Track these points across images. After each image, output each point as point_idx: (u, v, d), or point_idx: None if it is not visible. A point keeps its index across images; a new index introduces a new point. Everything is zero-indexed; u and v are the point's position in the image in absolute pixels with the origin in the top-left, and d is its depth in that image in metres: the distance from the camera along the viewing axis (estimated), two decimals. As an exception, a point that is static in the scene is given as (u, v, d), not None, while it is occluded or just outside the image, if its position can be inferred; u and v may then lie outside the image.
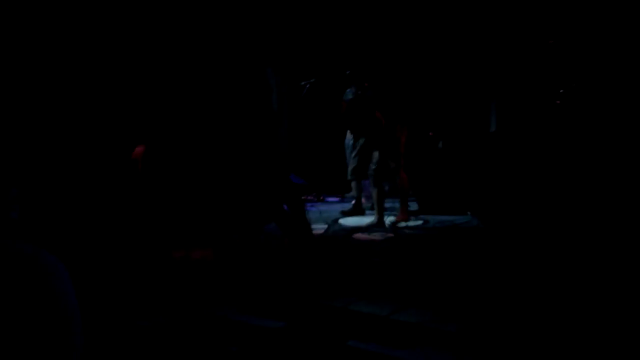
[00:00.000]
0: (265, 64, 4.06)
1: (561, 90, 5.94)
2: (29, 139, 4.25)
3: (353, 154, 6.82)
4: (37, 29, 4.46)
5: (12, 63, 4.21)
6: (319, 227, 6.09)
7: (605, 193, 5.29)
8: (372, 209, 7.12)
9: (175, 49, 5.44)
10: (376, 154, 6.26)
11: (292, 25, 7.18)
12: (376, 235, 5.75)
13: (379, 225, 6.20)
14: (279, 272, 4.26)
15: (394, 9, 7.77)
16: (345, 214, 6.91)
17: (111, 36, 5.01)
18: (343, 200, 8.18)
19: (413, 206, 7.18)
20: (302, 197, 7.01)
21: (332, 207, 7.64)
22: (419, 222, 6.33)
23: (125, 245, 4.63)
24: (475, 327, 3.20)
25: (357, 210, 6.97)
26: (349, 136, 7.16)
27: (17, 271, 0.70)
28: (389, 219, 6.35)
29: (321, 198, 8.33)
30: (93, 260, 4.13)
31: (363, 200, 7.12)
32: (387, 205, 7.45)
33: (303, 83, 6.44)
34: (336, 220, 6.58)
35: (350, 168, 6.91)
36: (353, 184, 7.03)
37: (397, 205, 7.28)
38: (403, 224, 6.22)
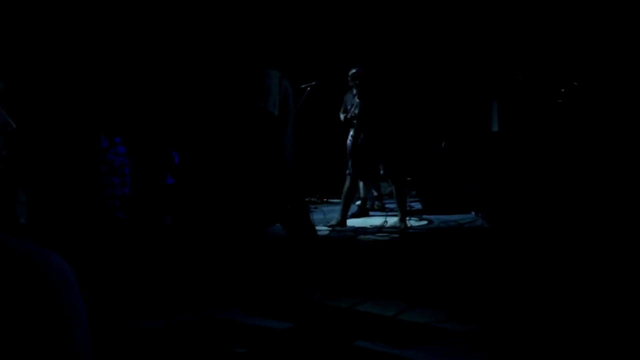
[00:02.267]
0: (268, 66, 4.06)
1: (562, 89, 5.95)
2: (38, 145, 4.27)
3: (355, 152, 6.80)
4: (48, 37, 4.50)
5: (24, 67, 4.25)
6: (323, 229, 6.10)
7: (609, 191, 5.29)
8: (374, 209, 7.12)
9: (182, 55, 5.46)
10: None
11: (292, 27, 7.20)
12: (381, 236, 5.75)
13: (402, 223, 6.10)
14: (285, 273, 4.27)
15: (397, 7, 7.78)
16: (353, 216, 6.88)
17: (118, 41, 5.04)
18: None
19: (416, 206, 7.21)
20: (306, 199, 7.03)
21: (335, 208, 7.63)
22: (424, 222, 6.34)
23: (128, 247, 4.64)
24: (483, 327, 3.20)
25: (362, 212, 6.97)
26: (350, 136, 7.17)
27: (26, 272, 0.69)
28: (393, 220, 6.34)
29: (324, 200, 8.34)
30: (96, 261, 4.14)
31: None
32: (388, 206, 7.46)
33: (304, 86, 6.44)
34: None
35: (350, 165, 6.92)
36: (360, 185, 7.02)
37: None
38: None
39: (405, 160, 6.71)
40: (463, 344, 2.97)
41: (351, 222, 6.52)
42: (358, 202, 7.27)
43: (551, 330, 3.08)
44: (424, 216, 6.62)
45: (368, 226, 6.28)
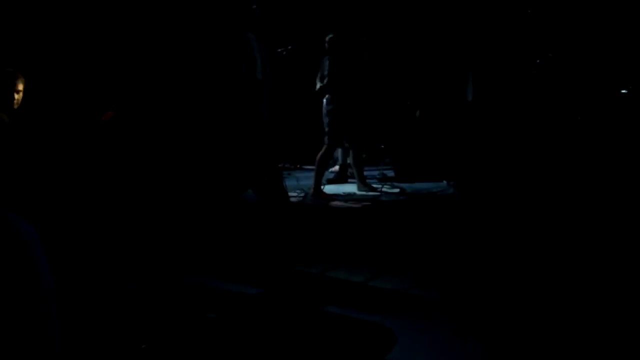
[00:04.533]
0: (245, 30, 3.98)
1: (538, 60, 5.98)
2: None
3: (330, 118, 6.76)
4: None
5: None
6: (296, 195, 6.10)
7: (581, 162, 5.39)
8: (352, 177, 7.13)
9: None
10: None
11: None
12: (353, 203, 5.79)
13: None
14: (257, 239, 4.29)
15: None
16: (330, 182, 6.87)
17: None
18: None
19: (389, 173, 7.25)
20: (279, 165, 6.99)
21: (308, 174, 7.64)
22: (396, 190, 6.39)
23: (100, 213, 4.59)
24: (448, 293, 3.27)
25: (341, 178, 6.97)
26: (325, 103, 7.13)
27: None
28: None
29: (298, 166, 8.33)
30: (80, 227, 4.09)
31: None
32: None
33: (279, 50, 6.35)
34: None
35: (329, 132, 6.89)
36: (339, 151, 7.00)
37: (374, 173, 7.33)
38: None
39: (373, 128, 6.76)
40: (429, 309, 3.04)
41: (327, 188, 6.49)
42: (334, 168, 7.28)
43: (514, 295, 3.16)
44: (396, 184, 6.67)
45: (341, 193, 6.29)
